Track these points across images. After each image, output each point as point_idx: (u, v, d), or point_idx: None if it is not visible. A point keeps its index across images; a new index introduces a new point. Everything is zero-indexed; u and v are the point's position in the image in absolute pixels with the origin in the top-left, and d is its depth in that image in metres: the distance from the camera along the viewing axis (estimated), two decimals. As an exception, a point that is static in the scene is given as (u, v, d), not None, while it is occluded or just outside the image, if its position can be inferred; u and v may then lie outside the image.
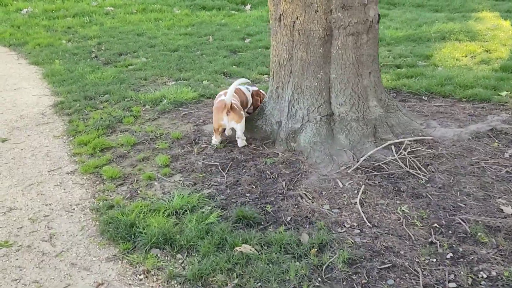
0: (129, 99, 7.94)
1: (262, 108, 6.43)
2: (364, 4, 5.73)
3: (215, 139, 6.12)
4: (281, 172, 5.45)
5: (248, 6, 14.67)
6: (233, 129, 5.98)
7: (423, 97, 7.64)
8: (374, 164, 5.39)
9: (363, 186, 5.05)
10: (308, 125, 5.87)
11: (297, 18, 5.79)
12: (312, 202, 4.89)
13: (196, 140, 6.37)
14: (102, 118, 7.18)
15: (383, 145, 5.63)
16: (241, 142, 6.02)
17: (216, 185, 5.33)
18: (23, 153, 6.32)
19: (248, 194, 5.10)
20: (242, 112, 6.04)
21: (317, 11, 5.68)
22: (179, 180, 5.46)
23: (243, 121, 5.89)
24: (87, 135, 6.63)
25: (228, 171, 5.58)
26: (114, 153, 6.17)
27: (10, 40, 12.02)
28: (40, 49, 11.24)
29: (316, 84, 5.86)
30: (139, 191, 5.31)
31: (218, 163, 5.72)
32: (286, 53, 5.98)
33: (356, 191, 5.00)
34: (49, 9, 14.31)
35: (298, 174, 5.39)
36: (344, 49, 5.79)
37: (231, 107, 5.77)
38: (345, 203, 4.85)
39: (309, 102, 5.90)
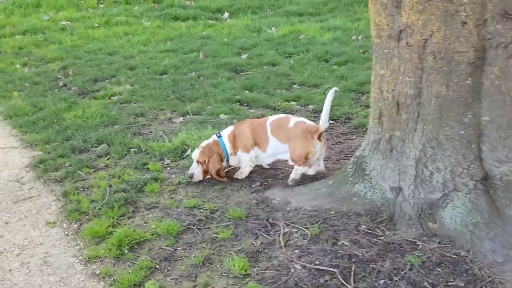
0: (135, 149, 5.56)
1: (359, 165, 4.22)
2: (530, 9, 3.61)
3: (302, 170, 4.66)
4: (450, 283, 3.26)
5: (226, 14, 12.37)
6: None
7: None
8: None
9: None
10: (456, 195, 3.73)
11: (431, 35, 3.63)
12: None
13: (270, 220, 4.10)
14: (111, 186, 4.78)
15: None
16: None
17: (351, 315, 3.09)
18: (6, 261, 3.87)
19: (423, 338, 2.88)
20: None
21: (466, 23, 3.54)
22: (283, 307, 3.19)
23: None
24: (99, 220, 4.24)
25: (355, 282, 3.34)
26: (153, 253, 3.83)
27: None
28: (-11, 78, 8.56)
29: (463, 132, 3.72)
30: (225, 337, 3.00)
31: (332, 268, 3.47)
32: (410, 87, 3.81)
33: None
34: (-9, 26, 11.54)
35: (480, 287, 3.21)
36: (503, 78, 3.68)
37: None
38: None
39: (453, 160, 3.75)
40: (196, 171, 4.72)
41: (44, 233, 4.22)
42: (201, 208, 4.35)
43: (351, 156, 5.16)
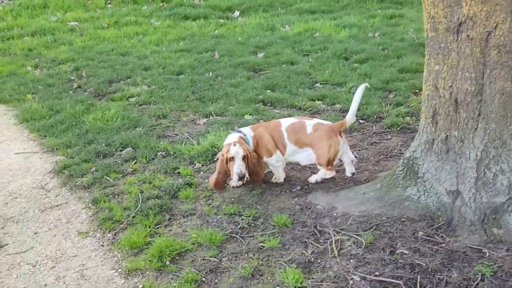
0: (163, 153, 5.29)
1: (410, 167, 3.95)
2: None
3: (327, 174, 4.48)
4: (528, 296, 2.99)
5: (237, 13, 12.10)
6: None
7: None
8: None
9: None
10: (523, 199, 3.44)
11: (495, 27, 3.37)
12: None
13: (318, 227, 3.82)
14: (142, 192, 4.51)
15: None
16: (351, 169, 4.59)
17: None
18: (39, 276, 3.59)
19: None
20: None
21: (533, 14, 3.26)
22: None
23: None
24: (134, 229, 3.96)
25: (423, 295, 3.08)
26: (197, 265, 3.56)
27: (-44, 71, 8.92)
28: (1, 81, 8.26)
29: (528, 131, 3.44)
30: None
31: (395, 279, 3.19)
32: (470, 84, 3.53)
33: None
34: (-2, 28, 11.25)
35: None
36: None
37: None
38: None
39: (518, 161, 3.47)
40: (243, 167, 4.24)
41: (77, 244, 3.95)
42: (242, 215, 4.09)
43: (391, 157, 4.92)
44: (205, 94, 7.10)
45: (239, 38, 10.01)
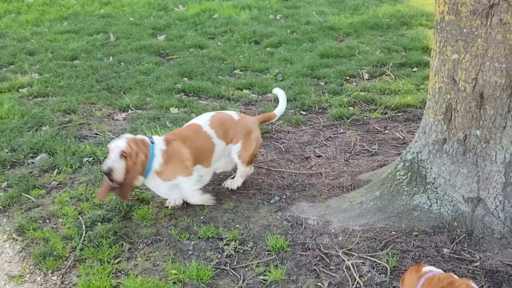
0: (90, 159, 4.26)
1: (415, 171, 3.38)
2: None
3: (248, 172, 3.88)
4: None
5: (119, -10, 10.84)
6: None
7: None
8: None
9: None
10: (560, 207, 3.00)
11: (533, 11, 2.84)
12: None
13: (323, 250, 3.14)
14: (82, 213, 3.50)
15: None
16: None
17: None
18: None
19: None
20: None
21: None
22: None
23: None
24: (87, 267, 2.99)
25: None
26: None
27: None
28: None
29: (563, 130, 3.00)
30: None
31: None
32: (500, 76, 3.03)
33: None
34: None
35: None
36: None
37: None
38: None
39: (553, 165, 3.02)
40: (118, 166, 3.21)
41: (11, 294, 2.88)
42: (223, 239, 3.26)
43: (357, 155, 4.36)
44: (113, 83, 6.07)
45: (131, 19, 8.93)
